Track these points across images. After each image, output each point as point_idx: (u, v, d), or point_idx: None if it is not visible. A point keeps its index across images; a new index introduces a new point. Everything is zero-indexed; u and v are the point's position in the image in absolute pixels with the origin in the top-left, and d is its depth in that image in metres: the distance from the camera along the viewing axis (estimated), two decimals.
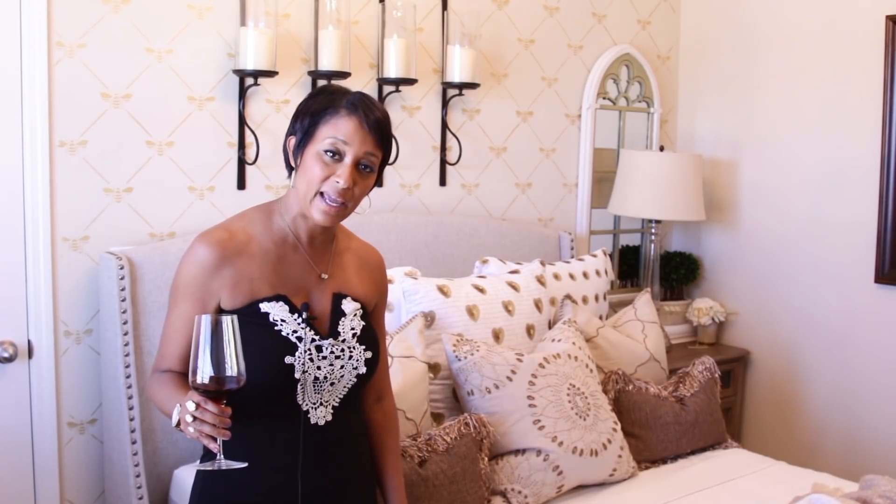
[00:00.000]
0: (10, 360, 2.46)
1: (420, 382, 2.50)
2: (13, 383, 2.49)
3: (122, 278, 2.47)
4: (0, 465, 2.48)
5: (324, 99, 1.69)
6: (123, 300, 2.47)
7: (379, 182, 1.78)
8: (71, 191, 2.54)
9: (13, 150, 2.44)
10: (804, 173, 3.63)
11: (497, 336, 2.76)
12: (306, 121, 1.68)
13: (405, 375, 2.46)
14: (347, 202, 1.66)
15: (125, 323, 2.48)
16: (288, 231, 1.74)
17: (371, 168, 1.68)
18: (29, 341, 2.50)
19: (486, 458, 2.40)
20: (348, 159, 1.64)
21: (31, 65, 2.42)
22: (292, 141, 1.71)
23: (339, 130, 1.64)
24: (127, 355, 2.48)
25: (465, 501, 2.28)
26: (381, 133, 1.67)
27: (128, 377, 2.48)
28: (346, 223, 1.88)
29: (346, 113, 1.65)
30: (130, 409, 2.49)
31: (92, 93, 2.55)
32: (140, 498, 2.49)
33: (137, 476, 2.49)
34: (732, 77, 3.87)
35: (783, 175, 3.70)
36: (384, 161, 1.73)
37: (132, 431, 2.49)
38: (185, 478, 2.54)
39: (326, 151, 1.64)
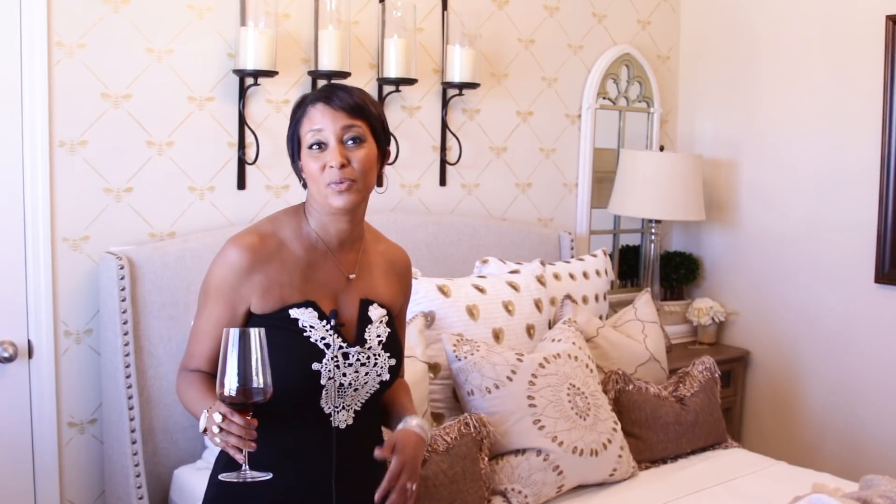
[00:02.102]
0: (10, 360, 2.46)
1: (420, 382, 2.50)
2: (13, 383, 2.49)
3: (122, 278, 2.47)
4: (0, 465, 2.48)
5: (297, 106, 1.75)
6: (123, 300, 2.47)
7: (384, 161, 1.78)
8: (71, 191, 2.54)
9: (13, 150, 2.44)
10: (804, 173, 3.63)
11: (497, 336, 2.76)
12: (291, 126, 1.74)
13: (405, 375, 2.46)
14: (352, 179, 1.66)
15: (125, 323, 2.48)
16: (317, 236, 1.75)
17: (359, 138, 1.68)
18: (29, 341, 2.50)
19: (486, 458, 2.40)
20: (331, 143, 1.67)
21: (31, 65, 2.42)
22: (291, 150, 1.76)
23: (312, 122, 1.68)
24: (127, 355, 2.48)
25: (466, 501, 2.28)
26: (349, 106, 1.67)
27: (128, 377, 2.48)
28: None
29: (311, 105, 1.70)
30: (130, 409, 2.49)
31: (92, 93, 2.55)
32: (140, 498, 2.49)
33: (137, 476, 2.49)
34: (732, 77, 3.87)
35: (783, 175, 3.70)
36: (375, 130, 1.71)
37: (132, 431, 2.49)
38: (185, 478, 2.54)
39: (311, 147, 1.68)
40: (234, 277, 1.68)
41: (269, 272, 1.69)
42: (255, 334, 1.49)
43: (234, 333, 1.49)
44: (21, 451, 2.51)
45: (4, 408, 2.48)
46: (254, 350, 1.48)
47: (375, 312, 1.78)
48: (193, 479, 2.49)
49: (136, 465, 2.49)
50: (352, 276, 1.77)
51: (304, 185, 1.76)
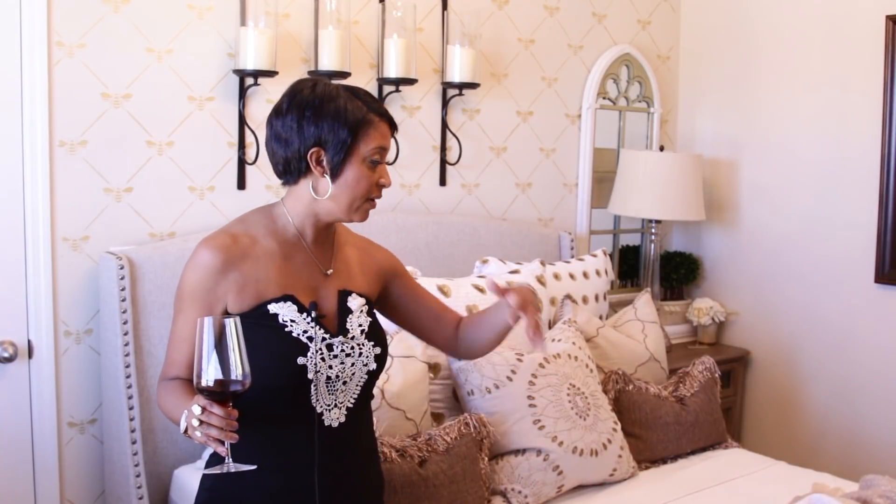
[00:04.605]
0: (10, 360, 2.46)
1: (420, 382, 2.50)
2: (13, 383, 2.49)
3: (122, 278, 2.47)
4: (0, 465, 2.48)
5: (353, 107, 1.66)
6: (123, 300, 2.47)
7: None
8: (71, 191, 2.54)
9: (13, 150, 2.44)
10: (804, 173, 3.63)
11: None
12: (343, 134, 1.64)
13: (405, 375, 2.46)
14: None
15: (125, 323, 2.48)
16: (293, 231, 1.74)
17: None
18: (29, 341, 2.50)
19: (486, 458, 2.40)
20: (385, 160, 1.73)
21: (31, 65, 2.42)
22: (321, 154, 1.66)
23: (380, 138, 1.69)
24: (127, 355, 2.48)
25: (466, 501, 2.28)
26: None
27: (128, 377, 2.48)
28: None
29: (377, 120, 1.69)
30: (130, 409, 2.49)
31: (92, 93, 2.55)
32: (140, 498, 2.49)
33: (137, 476, 2.49)
34: (732, 77, 3.87)
35: (783, 175, 3.70)
36: None
37: (132, 431, 2.49)
38: (185, 478, 2.54)
39: (374, 162, 1.69)
40: (208, 279, 1.65)
41: (244, 269, 1.67)
42: (231, 322, 1.46)
43: (209, 322, 1.45)
44: (21, 451, 2.51)
45: (4, 408, 2.48)
46: (229, 338, 1.45)
47: (355, 302, 1.76)
48: (193, 479, 2.48)
49: (136, 465, 2.49)
50: (329, 272, 1.76)
51: (291, 181, 1.71)
